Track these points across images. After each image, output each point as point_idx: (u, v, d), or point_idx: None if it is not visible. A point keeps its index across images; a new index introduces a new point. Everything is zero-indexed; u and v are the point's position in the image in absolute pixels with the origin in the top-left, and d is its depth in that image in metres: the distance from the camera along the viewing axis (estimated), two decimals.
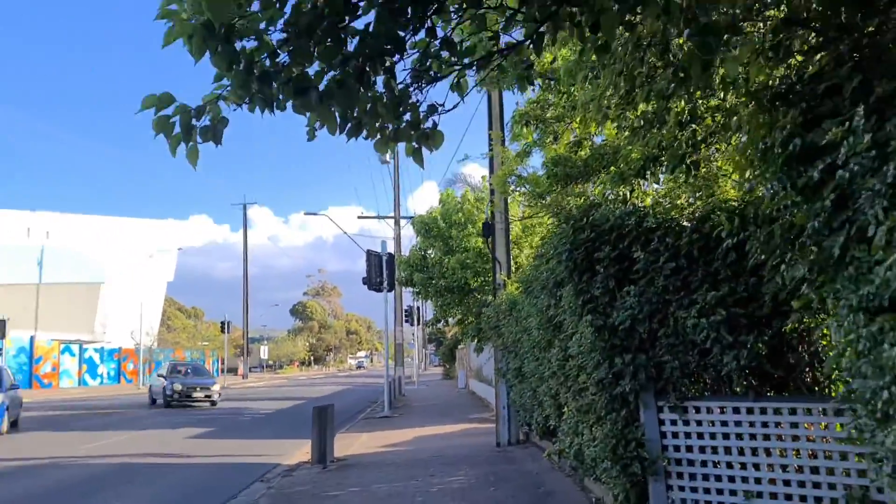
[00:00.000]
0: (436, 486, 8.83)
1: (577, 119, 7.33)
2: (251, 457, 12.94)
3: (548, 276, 6.84)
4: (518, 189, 10.44)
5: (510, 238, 12.46)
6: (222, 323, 52.44)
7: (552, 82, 7.86)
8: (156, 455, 13.08)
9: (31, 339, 58.60)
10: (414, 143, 3.68)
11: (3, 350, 38.42)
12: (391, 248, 27.65)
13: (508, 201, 11.68)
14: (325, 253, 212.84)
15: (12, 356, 55.53)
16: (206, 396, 26.62)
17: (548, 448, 9.53)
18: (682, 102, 4.63)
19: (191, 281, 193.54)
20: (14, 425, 17.97)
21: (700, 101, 4.77)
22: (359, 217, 30.83)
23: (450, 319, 22.88)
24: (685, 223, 5.43)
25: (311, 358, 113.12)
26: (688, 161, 4.89)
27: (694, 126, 4.85)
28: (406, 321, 38.40)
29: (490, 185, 11.52)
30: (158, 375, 28.55)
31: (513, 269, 12.74)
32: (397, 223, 30.91)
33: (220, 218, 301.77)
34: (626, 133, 5.60)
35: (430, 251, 20.93)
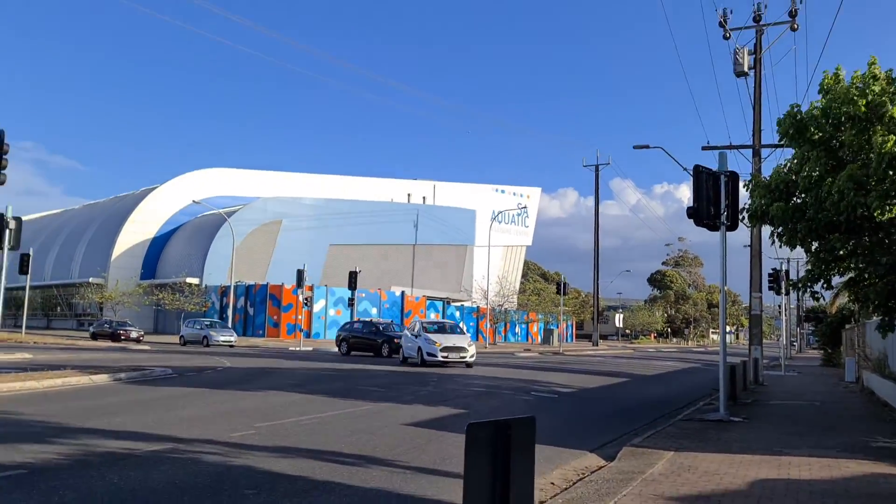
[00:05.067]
0: None
1: None
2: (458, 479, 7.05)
3: None
4: None
5: None
6: (558, 284, 47.52)
7: None
8: (324, 456, 7.93)
9: (402, 293, 61.37)
10: None
11: (355, 300, 39.00)
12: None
13: None
14: (686, 224, 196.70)
15: (386, 308, 58.58)
16: (461, 358, 23.39)
17: None
18: None
19: (556, 250, 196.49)
20: None
21: None
22: (703, 148, 22.44)
23: (833, 279, 13.72)
24: None
25: (668, 330, 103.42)
26: None
27: None
28: (770, 288, 28.69)
29: None
30: (412, 334, 25.44)
31: None
32: (756, 154, 21.77)
33: (585, 191, 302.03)
34: None
35: (803, 168, 12.35)
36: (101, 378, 14.21)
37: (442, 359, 22.89)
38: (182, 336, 39.13)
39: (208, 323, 39.75)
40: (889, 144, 10.24)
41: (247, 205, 59.57)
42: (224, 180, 65.00)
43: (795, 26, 22.09)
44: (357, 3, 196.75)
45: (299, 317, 46.40)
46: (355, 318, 37.88)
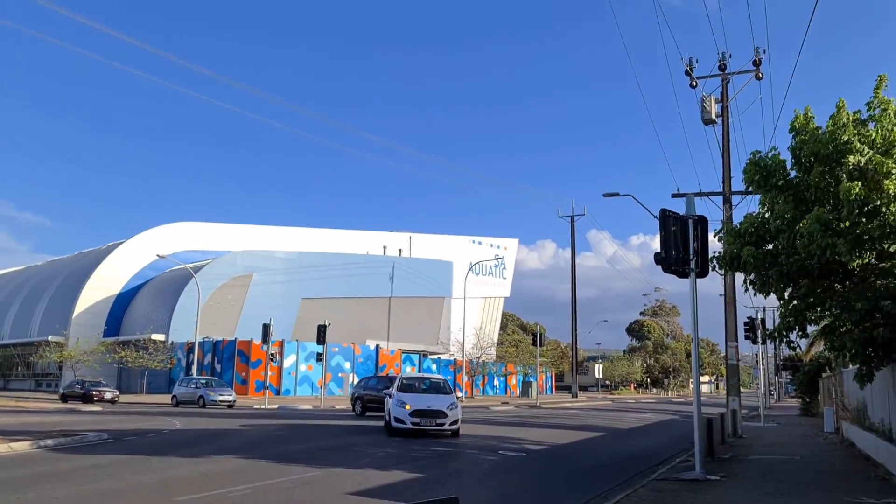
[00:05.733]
0: None
1: None
2: None
3: None
4: None
5: None
6: (534, 335, 46.65)
7: None
8: None
9: (377, 347, 59.95)
10: None
11: (326, 354, 37.63)
12: (720, 239, 18.12)
13: None
14: (663, 274, 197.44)
15: (360, 363, 57.08)
16: (438, 426, 18.28)
17: None
18: None
19: (535, 301, 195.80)
20: None
21: None
22: (673, 195, 22.14)
23: (808, 327, 13.17)
24: None
25: (648, 380, 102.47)
26: None
27: None
28: (746, 337, 28.14)
29: None
30: (388, 395, 21.07)
31: None
32: (727, 201, 21.50)
33: (563, 243, 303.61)
34: None
35: (773, 214, 11.89)
36: (22, 446, 12.98)
37: (412, 426, 18.06)
38: (174, 396, 36.09)
39: (204, 381, 36.55)
40: (855, 190, 9.87)
41: (216, 259, 58.32)
42: (193, 234, 63.84)
43: (760, 75, 22.15)
44: (326, 54, 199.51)
45: (268, 373, 44.82)
46: (373, 374, 35.20)
